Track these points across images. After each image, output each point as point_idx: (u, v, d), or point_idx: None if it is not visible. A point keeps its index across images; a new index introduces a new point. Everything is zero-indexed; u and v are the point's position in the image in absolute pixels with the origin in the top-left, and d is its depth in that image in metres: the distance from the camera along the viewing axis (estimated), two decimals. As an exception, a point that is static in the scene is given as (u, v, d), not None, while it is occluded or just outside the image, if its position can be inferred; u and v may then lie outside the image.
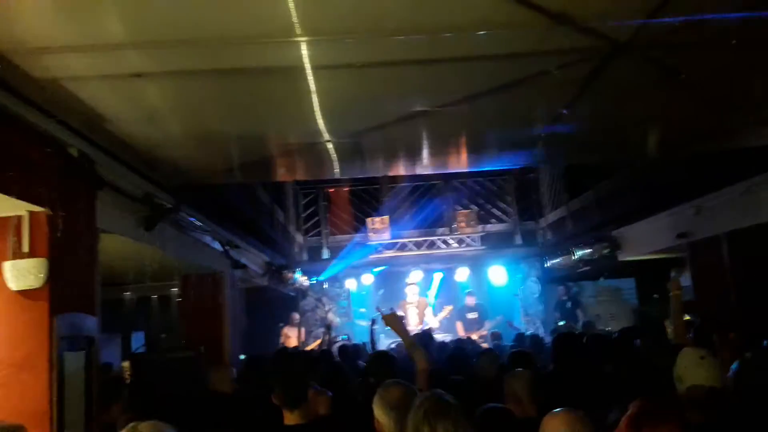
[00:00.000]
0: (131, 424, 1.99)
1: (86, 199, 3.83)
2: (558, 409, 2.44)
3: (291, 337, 10.74)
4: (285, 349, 8.08)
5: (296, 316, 11.22)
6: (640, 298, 12.22)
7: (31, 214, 3.35)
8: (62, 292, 3.40)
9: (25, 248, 3.30)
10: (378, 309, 4.29)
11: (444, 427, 2.04)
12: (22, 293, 3.25)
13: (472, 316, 11.27)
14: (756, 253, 7.02)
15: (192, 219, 5.63)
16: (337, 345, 8.44)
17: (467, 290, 11.90)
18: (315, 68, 3.16)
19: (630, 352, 4.97)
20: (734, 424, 2.60)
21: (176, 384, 4.27)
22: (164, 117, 3.85)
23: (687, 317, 7.68)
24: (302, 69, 3.14)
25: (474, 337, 10.21)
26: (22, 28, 2.68)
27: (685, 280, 10.31)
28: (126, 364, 6.11)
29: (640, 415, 2.12)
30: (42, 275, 3.24)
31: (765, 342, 4.45)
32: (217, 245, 6.56)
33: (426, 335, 7.73)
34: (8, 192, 3.07)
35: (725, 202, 6.90)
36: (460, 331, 10.89)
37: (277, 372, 3.32)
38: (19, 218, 3.34)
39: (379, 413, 2.54)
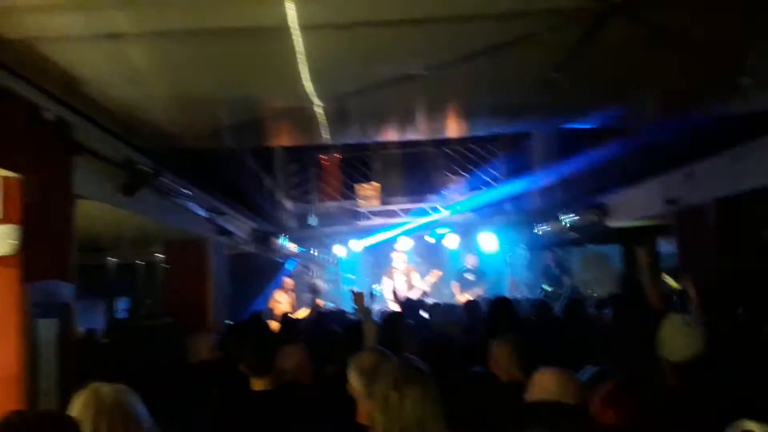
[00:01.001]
0: (93, 385, 1.92)
1: (62, 164, 3.74)
2: (546, 369, 2.48)
3: (281, 302, 10.53)
4: (258, 315, 7.88)
5: (289, 281, 11.00)
6: (626, 264, 12.31)
7: (4, 179, 3.25)
8: (35, 259, 3.33)
9: (-2, 214, 3.20)
10: (351, 290, 4.76)
11: (413, 393, 2.00)
12: (-6, 260, 3.17)
13: (470, 277, 11.25)
14: (741, 220, 7.06)
15: (175, 185, 5.50)
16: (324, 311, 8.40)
17: (468, 252, 11.84)
18: (303, 28, 3.04)
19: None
20: (709, 388, 2.61)
21: (154, 350, 4.21)
22: (145, 79, 3.72)
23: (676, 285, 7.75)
24: (289, 29, 3.03)
25: (468, 297, 10.16)
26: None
27: (667, 246, 10.42)
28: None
29: (615, 393, 2.14)
30: (15, 242, 3.17)
31: (739, 309, 4.44)
32: (201, 211, 6.45)
33: (413, 306, 7.52)
34: (-21, 156, 2.97)
35: (715, 169, 6.88)
36: (456, 291, 10.87)
37: (245, 339, 3.21)
38: (-9, 183, 3.23)
39: (353, 378, 2.53)
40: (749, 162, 6.29)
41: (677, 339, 2.73)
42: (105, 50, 3.24)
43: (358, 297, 4.32)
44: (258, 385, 2.98)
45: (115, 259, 8.10)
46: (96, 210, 4.47)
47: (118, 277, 8.43)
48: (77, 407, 1.84)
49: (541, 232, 11.84)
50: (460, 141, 11.56)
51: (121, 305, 9.00)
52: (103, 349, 4.74)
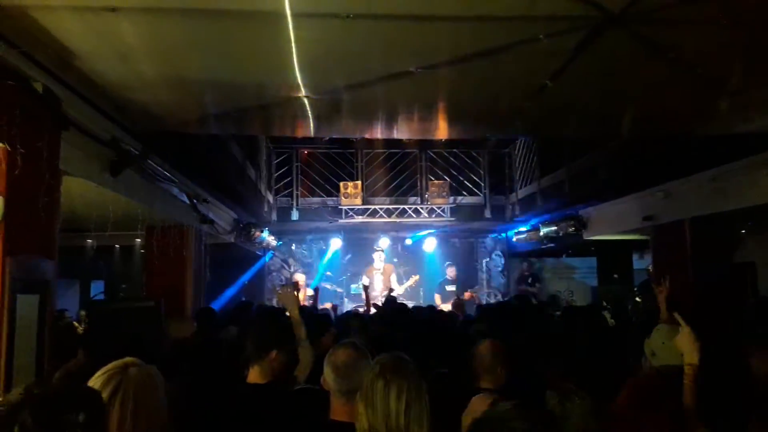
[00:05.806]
0: (121, 361, 1.87)
1: (50, 138, 3.65)
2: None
3: None
4: (248, 303, 7.92)
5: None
6: (601, 277, 12.49)
7: (-11, 149, 3.18)
8: (18, 232, 3.27)
9: (-20, 185, 3.14)
10: (275, 288, 4.23)
11: (398, 383, 2.03)
12: (-25, 231, 3.10)
13: (450, 288, 11.34)
14: (715, 239, 7.22)
15: (160, 168, 5.46)
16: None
17: (447, 262, 11.91)
18: (296, 15, 3.02)
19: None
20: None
21: (135, 333, 4.18)
22: (137, 57, 3.66)
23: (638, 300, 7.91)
24: (283, 15, 3.00)
25: (447, 307, 10.24)
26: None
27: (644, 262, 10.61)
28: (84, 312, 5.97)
29: (643, 395, 2.13)
30: (-3, 212, 3.09)
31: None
32: (184, 198, 6.41)
33: (397, 306, 7.50)
34: (-36, 124, 2.92)
35: (692, 189, 7.04)
36: (438, 302, 10.93)
37: (243, 326, 3.24)
38: (-26, 153, 3.17)
39: (326, 371, 2.53)
40: (726, 184, 6.44)
41: (670, 349, 2.77)
42: (98, 23, 3.16)
43: (283, 296, 3.78)
44: (252, 376, 2.96)
45: (93, 241, 8.00)
46: (78, 188, 4.41)
47: (95, 260, 8.32)
48: (100, 379, 1.79)
49: (518, 241, 11.99)
50: (444, 145, 11.62)
51: (96, 288, 8.89)
52: (85, 330, 4.70)
